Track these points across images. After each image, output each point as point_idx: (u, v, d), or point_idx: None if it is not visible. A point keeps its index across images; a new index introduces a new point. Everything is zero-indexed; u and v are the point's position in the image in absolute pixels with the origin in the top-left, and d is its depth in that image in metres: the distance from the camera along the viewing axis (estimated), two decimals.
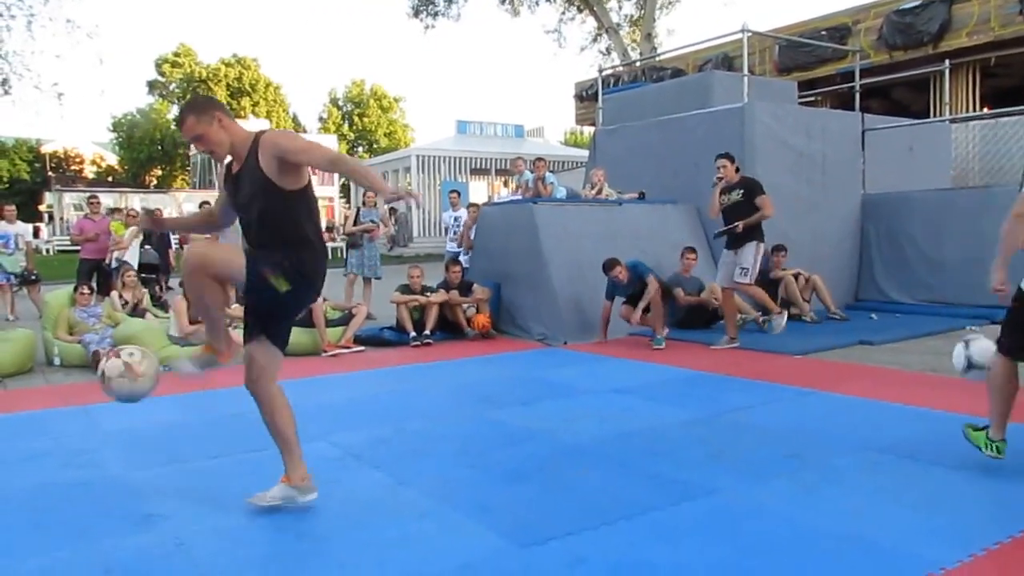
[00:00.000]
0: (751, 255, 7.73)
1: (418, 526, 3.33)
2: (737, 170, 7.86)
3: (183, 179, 53.54)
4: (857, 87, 12.15)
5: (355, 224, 10.87)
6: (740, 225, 7.63)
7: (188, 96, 51.57)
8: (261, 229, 3.34)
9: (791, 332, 8.48)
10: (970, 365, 4.28)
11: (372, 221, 10.92)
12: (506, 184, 30.11)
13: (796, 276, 9.42)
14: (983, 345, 4.15)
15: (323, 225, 4.38)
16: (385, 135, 56.72)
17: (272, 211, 3.30)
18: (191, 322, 7.56)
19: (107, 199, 27.11)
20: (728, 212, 7.79)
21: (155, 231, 11.27)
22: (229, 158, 3.42)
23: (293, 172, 3.29)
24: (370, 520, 3.41)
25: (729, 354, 7.45)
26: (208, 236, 8.04)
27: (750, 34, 10.79)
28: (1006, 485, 3.60)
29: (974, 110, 15.74)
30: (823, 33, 17.20)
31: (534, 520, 3.36)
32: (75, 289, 8.42)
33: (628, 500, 3.55)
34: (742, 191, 7.72)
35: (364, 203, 11.33)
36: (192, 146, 3.16)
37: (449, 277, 9.05)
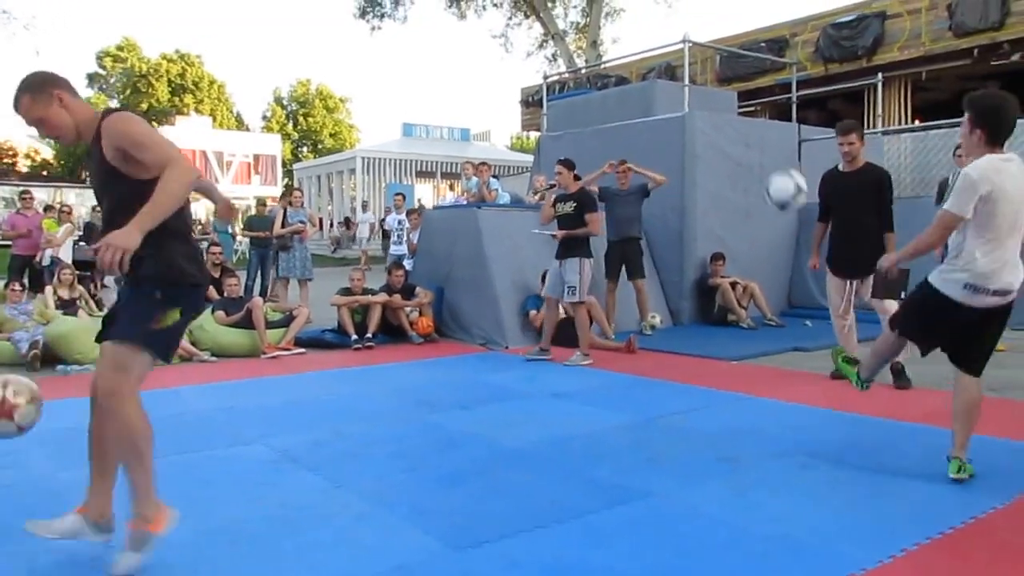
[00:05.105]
0: (575, 272, 7.34)
1: (353, 529, 3.32)
2: (577, 178, 7.58)
3: None
4: (794, 98, 12.44)
5: (283, 226, 10.74)
6: (560, 234, 7.45)
7: (128, 90, 50.44)
8: (119, 220, 2.82)
9: (728, 338, 8.65)
10: (799, 189, 6.04)
11: (301, 221, 10.85)
12: (452, 188, 30.09)
13: (734, 284, 9.61)
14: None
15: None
16: (330, 135, 56.12)
17: (125, 201, 2.84)
18: None
19: (42, 194, 26.34)
20: (561, 222, 7.53)
21: (95, 229, 10.98)
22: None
23: (140, 162, 2.84)
24: (305, 523, 3.38)
25: (667, 359, 7.55)
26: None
27: (691, 44, 10.99)
28: (927, 488, 3.72)
29: (906, 122, 16.21)
30: (762, 45, 17.57)
31: (469, 523, 3.37)
32: (6, 286, 8.20)
33: (563, 503, 3.59)
34: (575, 204, 7.43)
35: (291, 204, 11.21)
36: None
37: (392, 280, 9.01)
